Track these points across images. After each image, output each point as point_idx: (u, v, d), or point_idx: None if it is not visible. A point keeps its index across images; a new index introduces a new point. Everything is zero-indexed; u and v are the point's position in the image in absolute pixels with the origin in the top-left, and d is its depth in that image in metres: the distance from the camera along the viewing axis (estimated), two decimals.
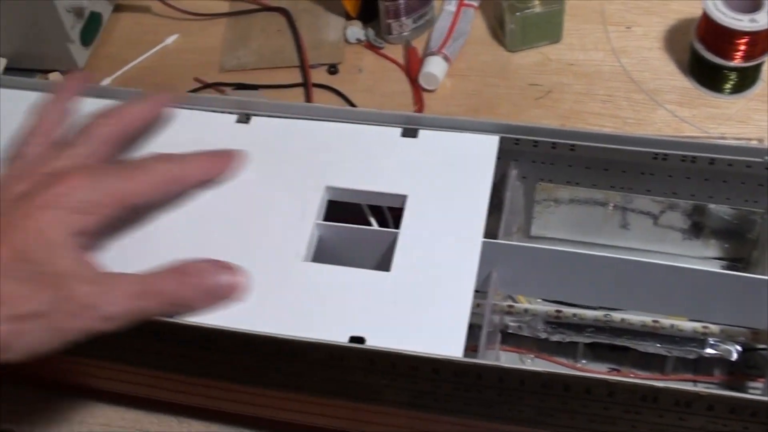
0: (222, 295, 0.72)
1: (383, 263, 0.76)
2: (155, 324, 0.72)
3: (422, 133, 0.82)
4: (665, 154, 0.80)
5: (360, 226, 0.80)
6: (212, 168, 0.78)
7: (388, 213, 0.85)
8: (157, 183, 0.73)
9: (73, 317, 0.65)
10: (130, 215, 0.75)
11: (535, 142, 0.82)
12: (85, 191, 0.68)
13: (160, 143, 0.84)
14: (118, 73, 1.16)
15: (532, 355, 0.88)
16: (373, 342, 0.70)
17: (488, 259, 0.76)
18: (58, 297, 0.64)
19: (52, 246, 0.65)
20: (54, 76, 1.15)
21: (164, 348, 0.78)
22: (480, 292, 0.76)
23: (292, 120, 0.84)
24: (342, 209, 0.81)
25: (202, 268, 0.71)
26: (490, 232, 0.78)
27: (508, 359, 0.87)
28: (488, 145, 0.81)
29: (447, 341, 0.70)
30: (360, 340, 0.70)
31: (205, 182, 0.78)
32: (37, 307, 0.63)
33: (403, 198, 0.78)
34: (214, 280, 0.71)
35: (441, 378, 0.70)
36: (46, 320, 0.64)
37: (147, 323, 0.70)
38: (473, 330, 0.73)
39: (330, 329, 0.71)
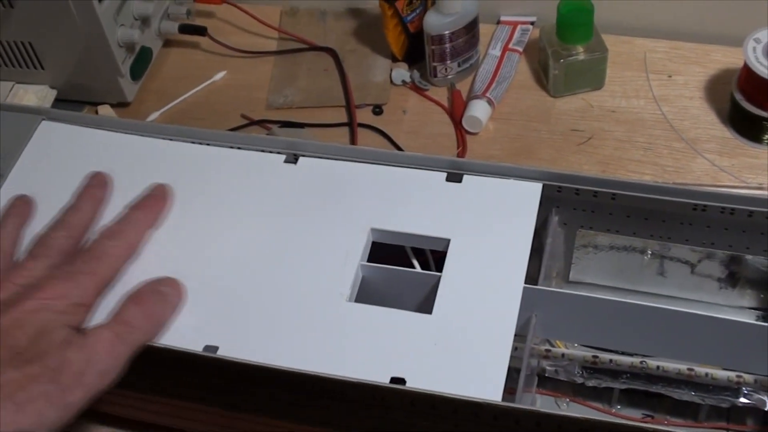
0: (171, 300, 0.77)
1: (425, 305, 0.77)
2: (196, 357, 0.74)
3: (467, 178, 0.84)
4: (704, 206, 0.81)
5: (403, 268, 0.82)
6: (155, 218, 0.83)
7: (430, 255, 0.86)
8: (118, 261, 0.79)
9: (72, 388, 0.69)
10: None
11: (577, 190, 0.83)
12: (65, 299, 0.73)
13: (215, 181, 0.86)
14: (166, 108, 1.18)
15: (568, 399, 0.89)
16: (413, 383, 0.71)
17: (528, 304, 0.77)
18: (54, 376, 0.68)
19: (47, 339, 0.70)
20: (103, 110, 1.17)
21: (203, 381, 0.79)
22: (519, 336, 0.77)
23: (340, 161, 0.86)
24: (384, 250, 0.83)
25: (148, 285, 0.77)
26: (530, 276, 0.79)
27: (544, 403, 0.88)
28: (531, 192, 0.82)
29: (486, 384, 0.71)
30: (401, 381, 0.72)
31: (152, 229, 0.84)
32: (38, 389, 0.67)
33: (446, 242, 0.80)
34: (160, 290, 0.77)
35: (481, 421, 0.71)
36: (48, 399, 0.68)
37: (187, 357, 0.72)
38: (511, 373, 0.74)
39: (371, 369, 0.72)
